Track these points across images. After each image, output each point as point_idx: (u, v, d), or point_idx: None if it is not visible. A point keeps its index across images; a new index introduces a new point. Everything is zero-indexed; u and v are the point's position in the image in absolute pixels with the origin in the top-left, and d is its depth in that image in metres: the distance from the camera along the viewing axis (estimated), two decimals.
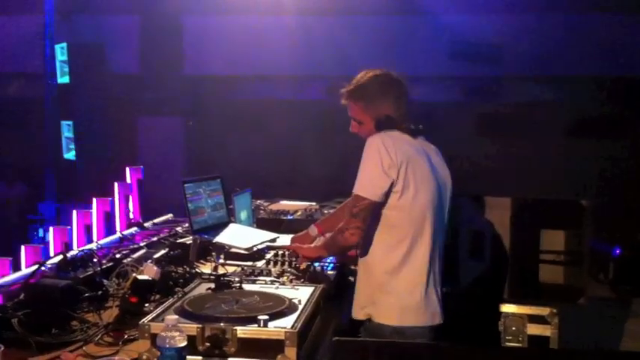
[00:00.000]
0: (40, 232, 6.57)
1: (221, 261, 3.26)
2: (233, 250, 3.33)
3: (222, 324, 2.13)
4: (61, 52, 8.33)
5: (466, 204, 3.75)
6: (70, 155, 8.41)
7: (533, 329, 3.64)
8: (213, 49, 9.57)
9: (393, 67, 3.02)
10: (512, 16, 9.08)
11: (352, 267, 3.21)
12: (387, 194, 2.74)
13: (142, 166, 4.50)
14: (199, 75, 9.70)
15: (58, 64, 8.35)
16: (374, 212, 2.77)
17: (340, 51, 8.68)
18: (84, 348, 2.27)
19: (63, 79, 8.33)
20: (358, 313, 2.87)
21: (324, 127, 8.10)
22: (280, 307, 2.28)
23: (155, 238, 3.74)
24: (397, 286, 2.79)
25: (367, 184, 2.74)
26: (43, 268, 2.78)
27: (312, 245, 3.25)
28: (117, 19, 9.57)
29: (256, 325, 2.11)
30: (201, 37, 9.65)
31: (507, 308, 3.65)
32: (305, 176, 8.77)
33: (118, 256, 3.27)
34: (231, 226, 3.76)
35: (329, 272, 3.09)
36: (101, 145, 8.41)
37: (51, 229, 3.60)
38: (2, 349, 1.97)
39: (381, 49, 8.80)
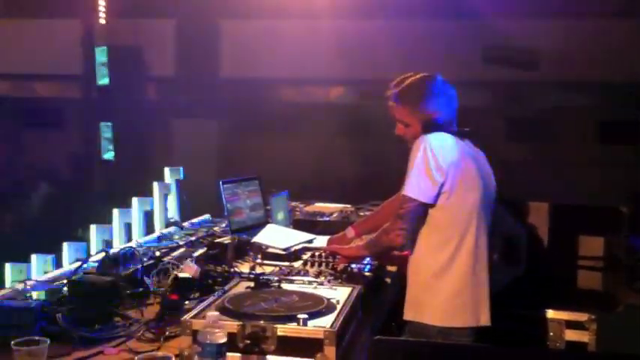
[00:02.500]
0: (80, 231, 6.69)
1: (258, 261, 3.30)
2: (270, 250, 3.36)
3: (262, 322, 2.16)
4: (101, 54, 8.48)
5: (501, 208, 3.73)
6: (108, 155, 8.56)
7: (571, 335, 3.61)
8: (249, 52, 9.64)
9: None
10: (548, 20, 9.00)
11: (390, 268, 3.23)
12: (435, 196, 2.77)
13: (181, 167, 4.56)
14: (235, 78, 9.78)
15: (98, 67, 8.51)
16: (421, 214, 2.80)
17: (373, 55, 8.68)
18: (126, 343, 2.31)
19: (102, 80, 8.49)
20: (406, 313, 2.91)
21: (356, 131, 8.12)
22: (319, 307, 2.31)
23: (193, 238, 3.79)
24: (443, 287, 2.80)
25: (415, 185, 2.76)
26: (85, 265, 2.84)
27: (353, 245, 3.27)
28: (154, 22, 9.70)
29: (295, 324, 2.14)
30: (238, 41, 9.73)
31: (545, 313, 3.63)
32: (336, 180, 8.78)
33: (157, 254, 3.32)
34: (269, 226, 3.80)
35: (366, 273, 3.10)
36: (138, 146, 8.54)
37: (92, 226, 3.67)
38: (48, 343, 2.01)
39: (415, 53, 8.78)
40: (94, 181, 8.76)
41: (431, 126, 2.87)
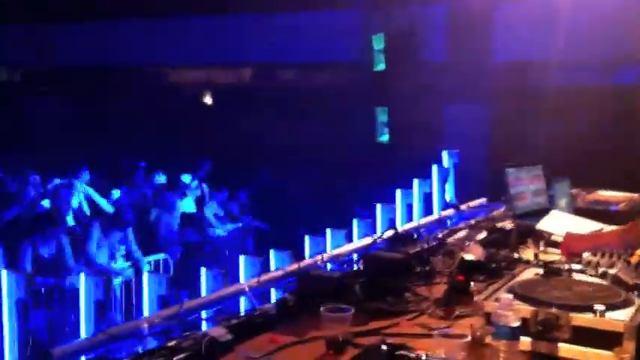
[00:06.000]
0: (358, 209, 7.12)
1: (542, 248, 3.23)
2: (555, 238, 3.27)
3: (555, 309, 2.13)
4: (377, 42, 8.86)
5: None
6: (383, 138, 8.95)
7: None
8: (523, 34, 9.37)
9: None
10: None
11: None
12: None
13: (457, 150, 4.62)
14: (507, 61, 9.58)
15: (374, 53, 8.90)
16: None
17: None
18: (419, 319, 2.43)
19: (378, 67, 8.86)
20: None
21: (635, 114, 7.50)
22: (616, 300, 2.21)
23: (473, 221, 3.83)
24: None
25: None
26: (377, 240, 3.03)
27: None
28: (428, 8, 9.87)
29: (592, 315, 2.08)
30: (511, 23, 9.50)
31: None
32: (618, 167, 8.18)
33: (439, 235, 3.42)
34: (553, 213, 3.69)
35: None
36: (411, 129, 8.80)
37: (378, 205, 3.89)
38: (352, 311, 2.19)
39: None
40: (370, 162, 9.22)
41: None
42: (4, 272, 2.53)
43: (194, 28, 12.42)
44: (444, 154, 4.56)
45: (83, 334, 2.61)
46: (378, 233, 3.75)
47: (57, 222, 6.20)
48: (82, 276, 2.64)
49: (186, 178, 9.00)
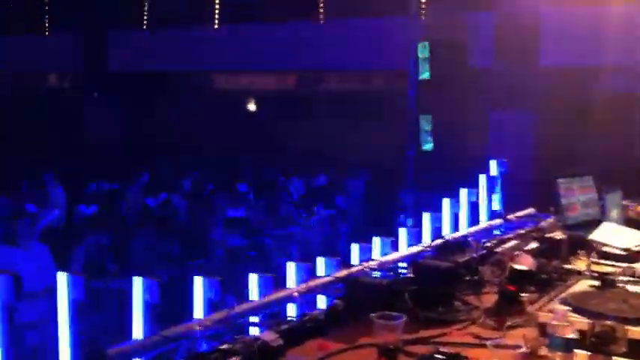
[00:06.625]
0: (403, 218, 7.12)
1: (594, 259, 3.18)
2: (608, 249, 3.22)
3: (610, 322, 2.10)
4: (422, 49, 8.83)
5: None
6: (427, 147, 8.90)
7: None
8: (571, 40, 9.25)
9: None
10: None
11: None
12: None
13: (505, 159, 4.58)
14: (555, 67, 9.45)
15: (419, 62, 8.88)
16: None
17: None
18: (469, 328, 2.42)
19: (423, 75, 8.83)
20: None
21: None
22: None
23: (522, 231, 3.78)
24: None
25: None
26: (426, 249, 3.03)
27: None
28: (475, 15, 9.80)
29: None
30: (559, 29, 9.38)
31: None
32: None
33: (487, 244, 3.39)
34: (605, 224, 3.63)
35: None
36: (456, 137, 8.74)
37: (425, 214, 3.88)
38: (404, 319, 2.19)
39: None
40: (413, 170, 9.17)
41: None
42: (61, 274, 2.60)
43: (241, 35, 12.58)
44: (492, 163, 4.52)
45: (136, 335, 2.66)
46: (425, 242, 3.74)
47: (108, 225, 6.34)
48: (136, 278, 2.69)
49: (239, 186, 9.12)
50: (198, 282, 2.82)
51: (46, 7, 14.85)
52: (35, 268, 5.65)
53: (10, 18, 15.56)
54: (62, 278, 2.56)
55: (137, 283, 2.68)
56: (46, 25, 14.89)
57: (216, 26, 13.11)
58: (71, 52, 13.97)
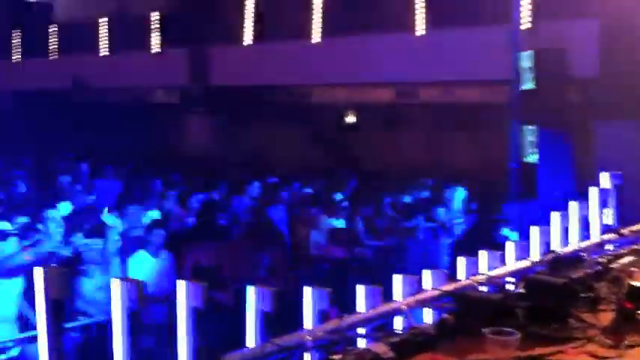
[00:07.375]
0: (506, 231, 6.97)
1: None
2: None
3: None
4: (526, 59, 8.63)
5: None
6: (531, 158, 8.68)
7: None
8: None
9: None
10: None
11: None
12: None
13: (620, 172, 4.42)
14: None
15: (522, 71, 8.68)
16: None
17: None
18: (585, 347, 2.36)
19: (527, 85, 8.63)
20: None
21: None
22: None
23: (637, 247, 3.64)
24: None
25: None
26: (537, 264, 2.97)
27: None
28: (577, 23, 9.51)
29: None
30: None
31: None
32: None
33: (601, 260, 3.29)
34: None
35: None
36: (561, 149, 8.48)
37: (533, 228, 3.80)
38: (518, 336, 2.17)
39: None
40: (517, 183, 8.94)
41: None
42: (181, 282, 2.72)
43: (338, 49, 12.71)
44: (603, 175, 4.37)
45: (249, 344, 2.74)
46: (534, 256, 3.67)
47: (217, 234, 6.52)
48: (250, 287, 2.77)
49: (337, 196, 9.21)
50: (307, 292, 2.87)
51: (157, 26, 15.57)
52: (160, 274, 5.94)
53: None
54: (182, 286, 2.68)
55: (251, 292, 2.77)
56: (157, 42, 15.61)
57: (313, 40, 13.31)
58: (177, 66, 14.55)
